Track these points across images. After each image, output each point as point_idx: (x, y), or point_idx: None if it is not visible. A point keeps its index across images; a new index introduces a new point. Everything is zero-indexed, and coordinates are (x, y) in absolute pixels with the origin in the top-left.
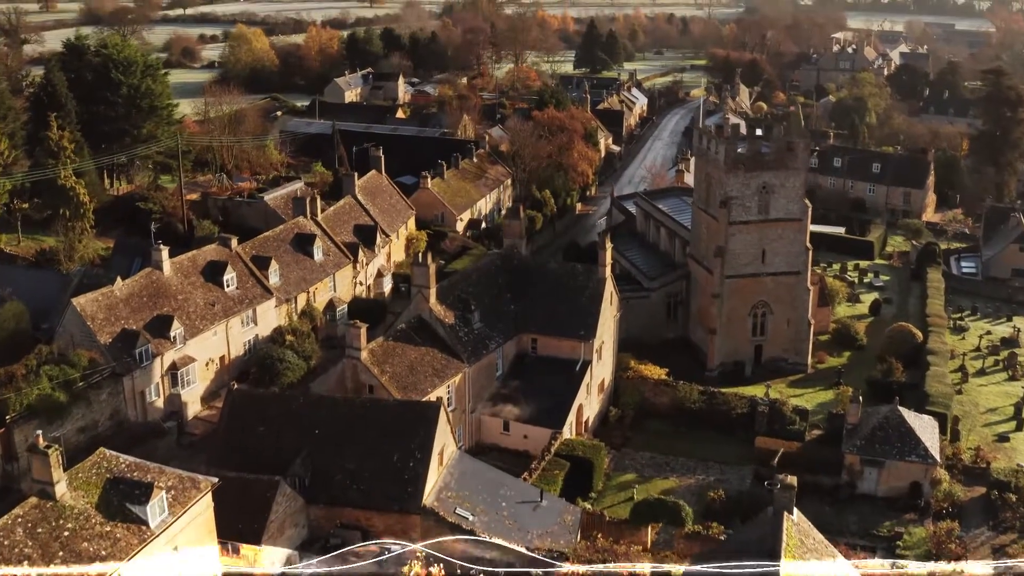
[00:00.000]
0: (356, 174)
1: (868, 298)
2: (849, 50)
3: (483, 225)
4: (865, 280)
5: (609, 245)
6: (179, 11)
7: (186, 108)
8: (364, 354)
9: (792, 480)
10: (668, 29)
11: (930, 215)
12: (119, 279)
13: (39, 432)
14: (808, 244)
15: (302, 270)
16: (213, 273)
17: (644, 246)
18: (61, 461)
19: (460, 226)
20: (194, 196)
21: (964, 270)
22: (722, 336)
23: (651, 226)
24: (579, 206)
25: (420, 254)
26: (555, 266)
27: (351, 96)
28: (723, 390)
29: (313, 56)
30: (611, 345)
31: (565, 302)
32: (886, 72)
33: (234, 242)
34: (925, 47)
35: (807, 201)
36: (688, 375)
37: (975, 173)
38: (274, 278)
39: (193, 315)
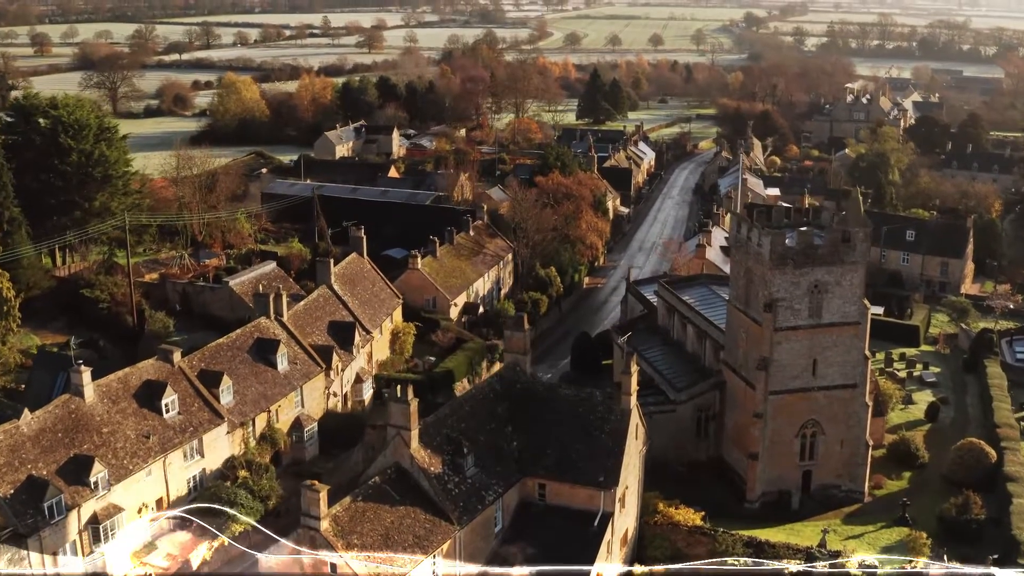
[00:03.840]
0: (333, 260)
1: (920, 397)
2: (863, 100)
3: (480, 310)
4: (915, 374)
5: (635, 368)
6: (175, 56)
7: (162, 163)
8: (325, 524)
9: None
10: (672, 77)
11: (968, 286)
12: (27, 411)
13: None
14: (868, 352)
15: (262, 384)
16: (149, 396)
17: (667, 345)
18: None
19: (454, 311)
20: (153, 277)
21: (1019, 356)
22: (765, 461)
23: (675, 321)
24: (587, 279)
25: (400, 387)
26: (567, 391)
27: (342, 151)
28: (772, 540)
29: (305, 106)
30: (636, 488)
31: (580, 438)
32: (902, 123)
33: (177, 355)
34: (937, 95)
35: (866, 301)
36: (723, 508)
37: (1018, 240)
38: (227, 397)
39: (121, 452)
